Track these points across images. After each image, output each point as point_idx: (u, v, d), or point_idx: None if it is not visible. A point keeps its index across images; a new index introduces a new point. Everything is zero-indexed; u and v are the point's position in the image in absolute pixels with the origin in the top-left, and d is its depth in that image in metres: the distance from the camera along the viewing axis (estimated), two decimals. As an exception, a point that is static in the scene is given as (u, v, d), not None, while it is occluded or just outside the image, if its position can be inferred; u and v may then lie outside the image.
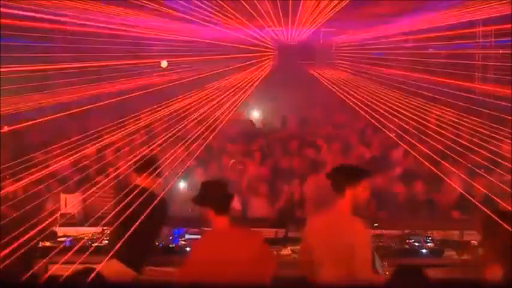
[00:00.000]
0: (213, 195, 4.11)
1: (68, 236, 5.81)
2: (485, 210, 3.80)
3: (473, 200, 5.51)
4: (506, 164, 6.44)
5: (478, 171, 6.48)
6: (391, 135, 8.32)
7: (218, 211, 4.07)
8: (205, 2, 10.02)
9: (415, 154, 7.46)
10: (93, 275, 3.08)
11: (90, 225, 5.82)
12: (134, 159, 5.43)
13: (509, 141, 6.94)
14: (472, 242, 5.55)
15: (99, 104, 8.54)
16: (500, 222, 3.48)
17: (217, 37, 11.13)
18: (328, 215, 4.21)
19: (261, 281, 3.90)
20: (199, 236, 5.74)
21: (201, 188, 4.20)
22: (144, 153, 6.10)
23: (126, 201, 4.94)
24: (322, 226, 4.16)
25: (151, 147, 7.45)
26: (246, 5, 10.09)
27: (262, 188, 7.08)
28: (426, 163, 6.94)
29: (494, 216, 3.56)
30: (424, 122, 8.75)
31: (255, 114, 12.10)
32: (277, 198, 7.14)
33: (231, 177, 7.48)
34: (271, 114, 11.92)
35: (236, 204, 6.76)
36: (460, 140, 7.37)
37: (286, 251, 5.62)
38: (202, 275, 3.94)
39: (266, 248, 4.27)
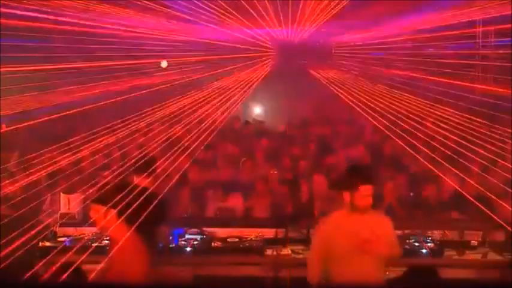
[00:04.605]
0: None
1: (68, 236, 5.81)
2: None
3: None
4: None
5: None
6: (392, 136, 8.26)
7: None
8: (205, 1, 10.00)
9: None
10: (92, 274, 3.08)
11: (90, 225, 5.81)
12: (134, 160, 5.42)
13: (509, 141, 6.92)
14: (472, 242, 5.56)
15: (99, 104, 8.52)
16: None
17: (216, 37, 11.10)
18: None
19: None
20: (198, 236, 5.75)
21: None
22: (143, 153, 6.08)
23: (125, 201, 4.93)
24: None
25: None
26: (246, 5, 10.07)
27: (264, 187, 7.08)
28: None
29: None
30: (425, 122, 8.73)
31: (257, 115, 12.08)
32: (279, 198, 7.13)
33: (239, 177, 7.48)
34: (273, 114, 11.90)
35: (239, 203, 6.78)
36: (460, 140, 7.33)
37: (286, 251, 5.62)
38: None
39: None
